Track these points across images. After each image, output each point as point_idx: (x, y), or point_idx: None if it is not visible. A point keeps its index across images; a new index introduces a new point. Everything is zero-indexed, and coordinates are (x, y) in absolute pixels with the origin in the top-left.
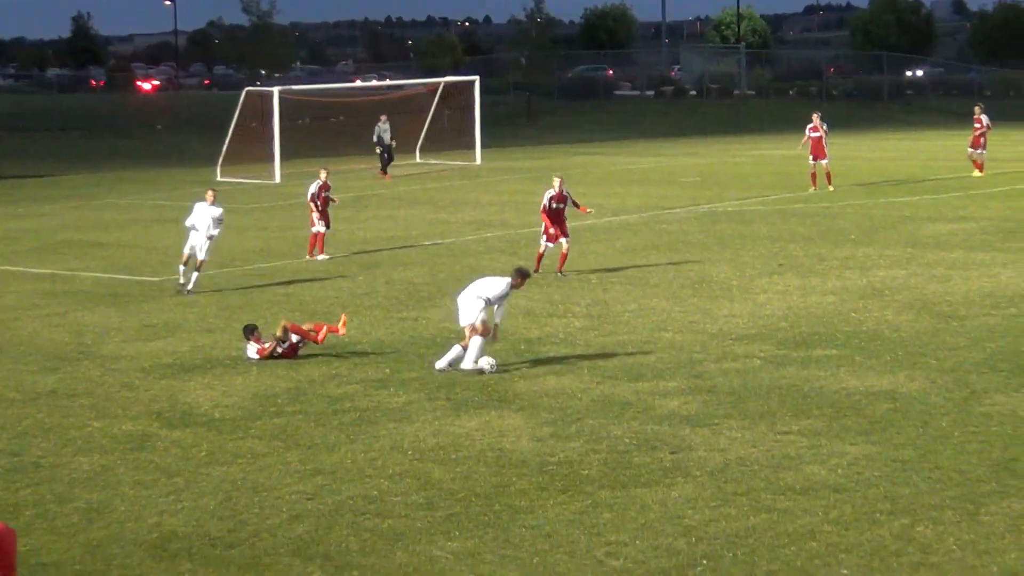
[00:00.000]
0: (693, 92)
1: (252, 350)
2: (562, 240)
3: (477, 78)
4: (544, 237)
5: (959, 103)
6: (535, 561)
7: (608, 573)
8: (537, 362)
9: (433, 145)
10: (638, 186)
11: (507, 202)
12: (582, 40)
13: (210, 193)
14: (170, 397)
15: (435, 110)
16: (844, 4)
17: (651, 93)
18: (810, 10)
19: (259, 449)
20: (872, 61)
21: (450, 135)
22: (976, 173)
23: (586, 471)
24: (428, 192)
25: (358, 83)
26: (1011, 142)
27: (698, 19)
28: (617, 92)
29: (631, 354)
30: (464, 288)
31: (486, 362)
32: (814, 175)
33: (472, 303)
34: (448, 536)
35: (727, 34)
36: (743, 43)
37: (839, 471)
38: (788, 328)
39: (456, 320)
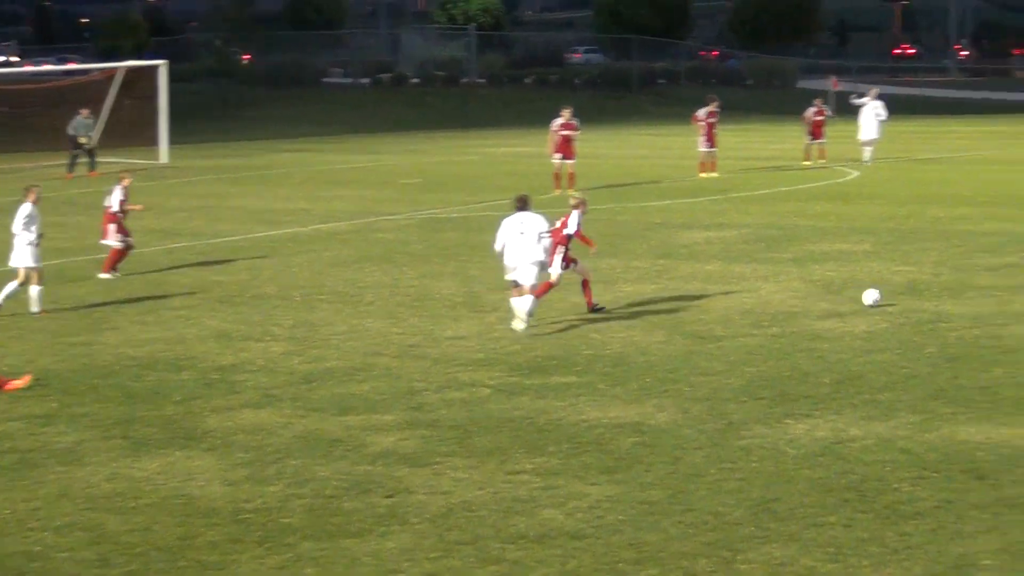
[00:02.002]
0: (415, 80)
1: None
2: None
3: (164, 63)
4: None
5: (717, 93)
6: None
7: None
8: (231, 393)
9: (112, 141)
10: (351, 188)
11: (198, 207)
12: (287, 20)
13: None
14: None
15: (114, 100)
16: None
17: (367, 81)
18: None
19: None
20: (620, 45)
21: (131, 129)
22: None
23: (287, 519)
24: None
25: (28, 68)
26: (777, 139)
27: None
28: (327, 80)
29: (341, 383)
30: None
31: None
32: (558, 175)
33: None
34: None
35: (455, 14)
36: (473, 24)
37: (578, 515)
38: (521, 352)
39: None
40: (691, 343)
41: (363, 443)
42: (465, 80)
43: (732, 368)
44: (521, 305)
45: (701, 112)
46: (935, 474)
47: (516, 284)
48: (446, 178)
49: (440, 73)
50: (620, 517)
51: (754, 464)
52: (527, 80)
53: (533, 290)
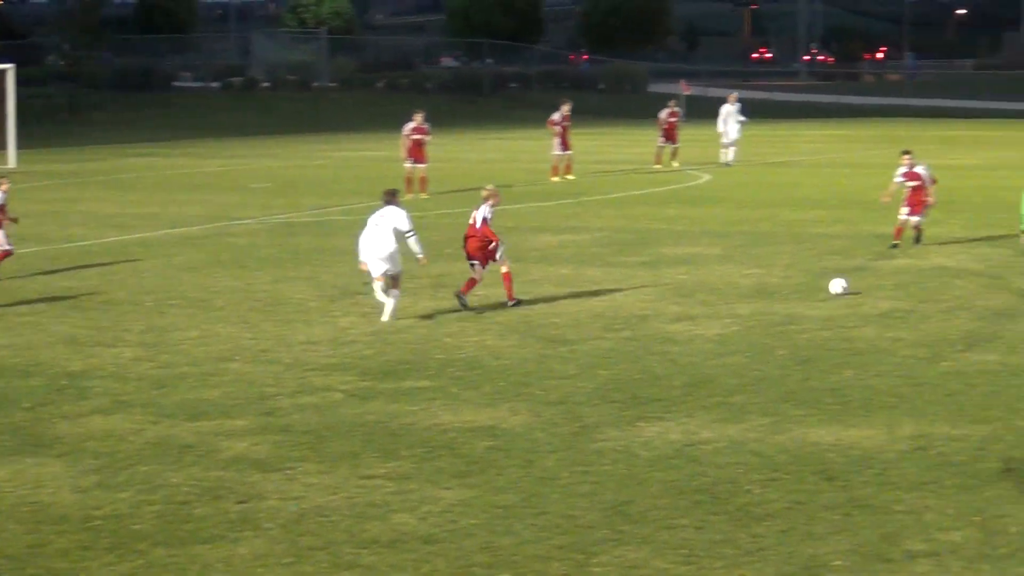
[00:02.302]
0: (266, 84)
1: None
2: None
3: (11, 67)
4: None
5: (569, 97)
6: None
7: None
8: (81, 399)
9: None
10: (202, 193)
11: (47, 212)
12: (137, 23)
13: None
14: None
15: None
16: None
17: (217, 85)
18: None
19: None
20: (471, 49)
21: None
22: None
23: (138, 526)
24: None
25: None
26: (629, 143)
27: (272, 0)
28: (178, 84)
29: (192, 388)
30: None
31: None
32: (410, 180)
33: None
34: None
35: (306, 18)
36: (324, 28)
37: (431, 520)
38: (374, 356)
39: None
40: (544, 347)
41: (215, 448)
42: (316, 84)
43: (585, 371)
44: (379, 297)
45: (555, 116)
46: (786, 476)
47: (373, 274)
48: (297, 182)
49: (291, 77)
50: (473, 521)
51: (607, 467)
52: (378, 84)
53: (388, 282)
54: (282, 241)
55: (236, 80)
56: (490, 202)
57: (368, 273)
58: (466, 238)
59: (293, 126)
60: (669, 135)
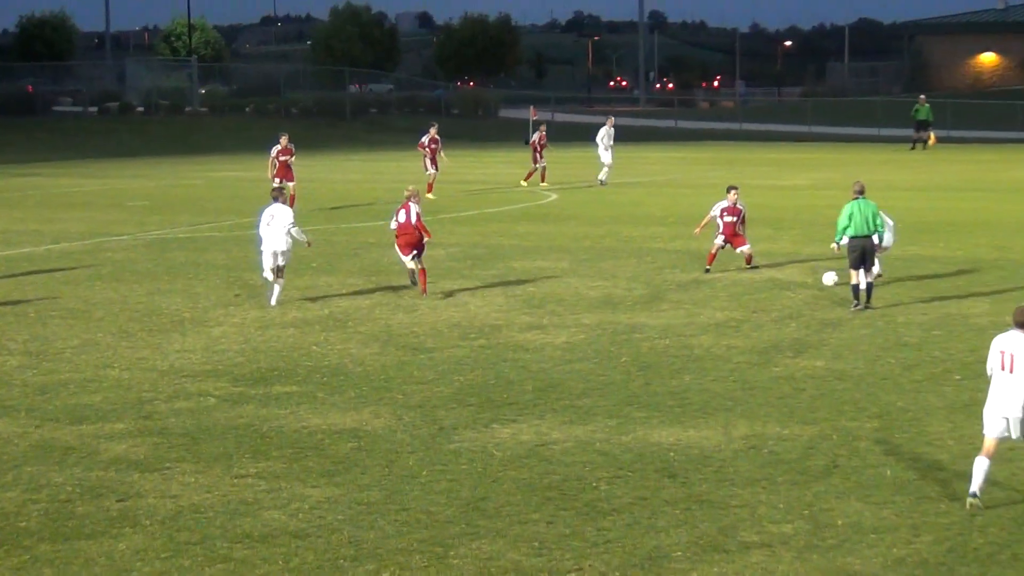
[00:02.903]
0: (141, 109)
1: None
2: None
3: None
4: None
5: (425, 121)
6: None
7: None
8: None
9: None
10: (81, 211)
11: None
12: (17, 51)
13: None
14: None
15: None
16: (304, 15)
17: (95, 110)
18: (268, 21)
19: None
20: (334, 76)
21: None
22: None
23: (24, 523)
24: None
25: None
26: (483, 164)
27: (146, 29)
28: (57, 108)
29: (74, 394)
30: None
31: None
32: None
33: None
34: None
35: (178, 46)
36: (195, 56)
37: (300, 516)
38: (245, 363)
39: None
40: (404, 354)
41: (96, 450)
42: (188, 109)
43: (442, 377)
44: (271, 281)
45: (424, 139)
46: (630, 473)
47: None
48: (172, 201)
49: (164, 102)
50: (339, 517)
51: (463, 466)
52: (247, 109)
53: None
54: (158, 256)
55: (113, 105)
56: (416, 199)
57: (268, 272)
58: (398, 236)
59: (167, 148)
60: (538, 156)
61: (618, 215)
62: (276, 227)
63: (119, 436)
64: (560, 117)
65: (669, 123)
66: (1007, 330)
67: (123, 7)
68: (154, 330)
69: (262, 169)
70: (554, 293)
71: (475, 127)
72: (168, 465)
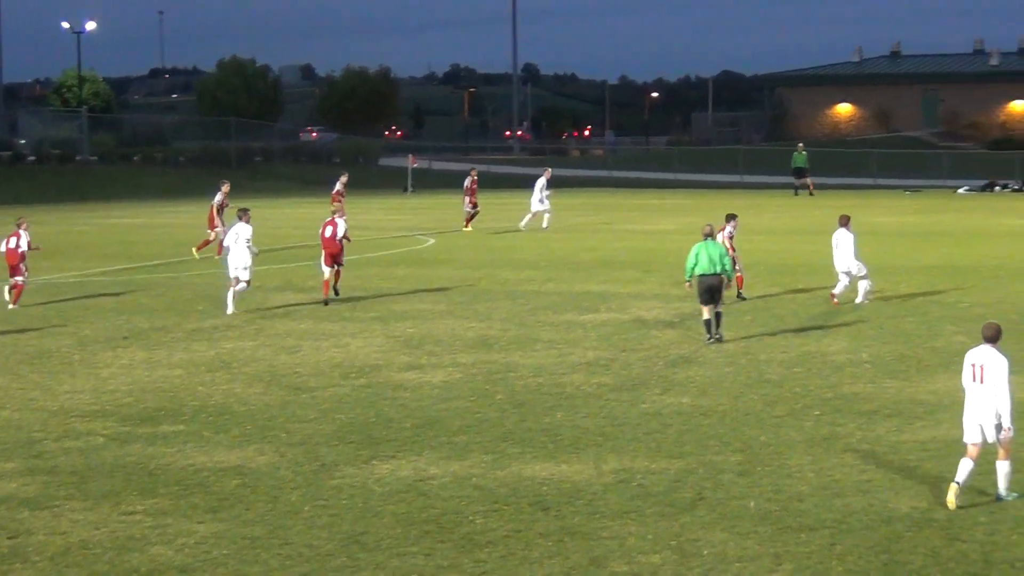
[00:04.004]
0: (32, 158)
1: None
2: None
3: None
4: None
5: (308, 170)
6: None
7: None
8: None
9: None
10: None
11: None
12: None
13: None
14: None
15: None
16: (191, 68)
17: None
18: (156, 73)
19: None
20: (219, 126)
21: None
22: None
23: None
24: None
25: None
26: (363, 210)
27: (37, 81)
28: None
29: None
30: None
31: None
32: (208, 242)
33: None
34: None
35: (69, 97)
36: (85, 107)
37: (186, 551)
38: (133, 403)
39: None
40: (287, 393)
41: None
42: (79, 158)
43: (324, 415)
44: (230, 301)
45: (338, 186)
46: (505, 507)
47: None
48: (63, 246)
49: (55, 151)
50: (225, 552)
51: (344, 501)
52: (135, 158)
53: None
54: (48, 299)
55: (5, 154)
56: (342, 215)
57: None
58: (325, 247)
59: (58, 196)
60: (472, 200)
61: (493, 259)
62: (241, 245)
63: (9, 475)
64: (438, 165)
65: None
66: (978, 345)
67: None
68: (43, 371)
69: (148, 216)
70: (432, 334)
71: (356, 175)
72: (57, 503)
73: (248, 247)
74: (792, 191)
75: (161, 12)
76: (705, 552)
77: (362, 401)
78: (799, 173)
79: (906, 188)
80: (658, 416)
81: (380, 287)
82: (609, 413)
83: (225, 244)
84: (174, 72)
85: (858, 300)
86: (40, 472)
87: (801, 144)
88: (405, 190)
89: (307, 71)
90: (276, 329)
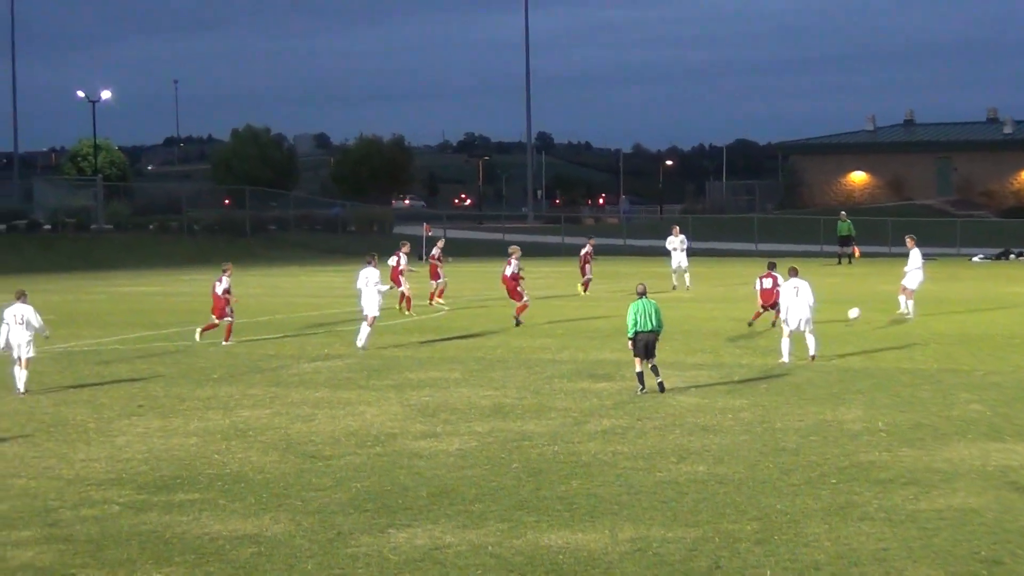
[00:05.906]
0: (48, 227)
1: None
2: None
3: None
4: None
5: (322, 239)
6: None
7: None
8: None
9: None
10: None
11: None
12: None
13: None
14: None
15: None
16: (206, 137)
17: (2, 227)
18: (170, 142)
19: None
20: (234, 195)
21: None
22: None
23: None
24: None
25: None
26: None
27: (53, 150)
28: None
29: None
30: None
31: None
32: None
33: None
34: None
35: (84, 166)
36: (100, 175)
37: None
38: (149, 472)
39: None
40: (302, 461)
41: (3, 557)
42: (94, 226)
43: (340, 483)
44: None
45: (435, 251)
46: None
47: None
48: (77, 315)
49: (70, 220)
50: None
51: (360, 570)
52: (150, 226)
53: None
54: (63, 368)
55: (20, 223)
56: (517, 256)
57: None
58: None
59: (73, 264)
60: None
61: (508, 327)
62: (370, 286)
63: (25, 543)
64: (452, 233)
65: (556, 239)
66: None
67: (31, 129)
68: (59, 440)
69: (163, 284)
70: (447, 402)
71: (371, 243)
72: (73, 571)
73: (377, 288)
74: (835, 260)
75: (176, 81)
76: None
77: (378, 469)
78: (844, 241)
79: (922, 256)
80: (674, 484)
81: (395, 356)
82: (625, 481)
83: (357, 287)
84: (188, 141)
85: (811, 353)
86: (56, 540)
87: (844, 212)
88: (420, 258)
89: (321, 139)
90: (291, 397)
